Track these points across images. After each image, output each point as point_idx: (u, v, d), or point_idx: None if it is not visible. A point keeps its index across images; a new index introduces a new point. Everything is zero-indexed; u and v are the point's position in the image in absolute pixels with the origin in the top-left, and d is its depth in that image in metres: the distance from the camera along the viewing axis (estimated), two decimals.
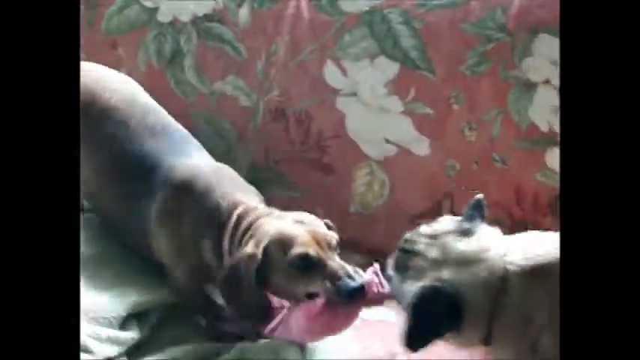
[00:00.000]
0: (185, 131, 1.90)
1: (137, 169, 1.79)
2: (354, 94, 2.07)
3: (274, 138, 2.14)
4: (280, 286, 1.62)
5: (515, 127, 1.99)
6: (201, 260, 1.73)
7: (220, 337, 1.75)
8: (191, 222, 1.73)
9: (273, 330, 1.64)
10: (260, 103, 2.14)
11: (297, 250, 1.57)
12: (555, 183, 1.94)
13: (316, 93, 2.10)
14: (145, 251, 1.81)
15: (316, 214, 1.71)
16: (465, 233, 1.49)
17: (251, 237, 1.63)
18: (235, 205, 1.71)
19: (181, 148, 1.83)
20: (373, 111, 2.06)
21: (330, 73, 2.08)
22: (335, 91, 2.08)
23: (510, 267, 1.43)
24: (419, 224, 1.53)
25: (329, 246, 1.62)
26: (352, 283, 1.55)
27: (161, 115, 1.90)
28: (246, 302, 1.63)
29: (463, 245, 1.46)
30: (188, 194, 1.74)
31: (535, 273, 1.41)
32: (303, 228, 1.62)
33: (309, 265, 1.58)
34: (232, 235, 1.68)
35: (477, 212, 1.53)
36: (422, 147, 2.05)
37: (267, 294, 1.65)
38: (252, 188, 1.82)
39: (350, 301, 1.57)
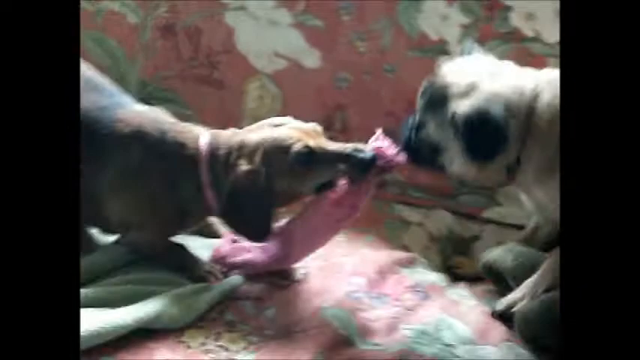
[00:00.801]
0: (107, 80, 1.75)
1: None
2: (243, 8, 2.04)
3: (163, 55, 2.11)
4: (287, 190, 1.58)
5: (406, 37, 2.00)
6: (177, 205, 1.64)
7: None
8: (157, 169, 1.62)
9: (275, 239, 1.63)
10: (148, 20, 2.10)
11: (296, 146, 1.54)
12: None
13: (205, 7, 2.07)
14: (100, 221, 1.68)
15: None
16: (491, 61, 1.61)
17: (239, 156, 1.57)
18: (197, 136, 1.63)
19: (113, 100, 1.68)
20: (262, 24, 2.05)
21: None
22: (223, 6, 2.05)
23: (540, 97, 1.53)
24: None
25: (319, 135, 1.60)
26: (366, 154, 1.54)
27: (83, 67, 1.71)
28: (255, 219, 1.58)
29: (495, 67, 1.58)
30: (143, 142, 1.62)
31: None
32: (286, 128, 1.59)
33: (313, 157, 1.55)
34: (212, 166, 1.60)
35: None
36: (312, 59, 2.05)
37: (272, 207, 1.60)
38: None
39: (368, 170, 1.55)
